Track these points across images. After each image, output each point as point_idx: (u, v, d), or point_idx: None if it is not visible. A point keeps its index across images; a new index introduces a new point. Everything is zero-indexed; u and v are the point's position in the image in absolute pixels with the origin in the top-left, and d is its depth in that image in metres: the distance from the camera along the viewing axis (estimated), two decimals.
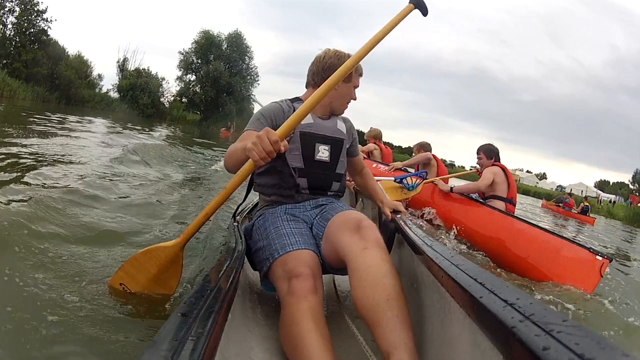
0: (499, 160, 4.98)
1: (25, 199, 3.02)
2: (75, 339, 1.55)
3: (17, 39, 34.89)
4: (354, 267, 1.48)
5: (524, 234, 4.22)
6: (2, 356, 1.40)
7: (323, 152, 2.05)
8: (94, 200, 3.70)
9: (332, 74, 1.88)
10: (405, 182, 4.74)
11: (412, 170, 5.74)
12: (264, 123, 1.95)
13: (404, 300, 1.39)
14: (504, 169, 4.89)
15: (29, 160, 5.18)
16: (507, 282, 0.95)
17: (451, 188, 4.89)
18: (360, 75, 2.17)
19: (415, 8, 2.04)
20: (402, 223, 1.99)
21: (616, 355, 0.57)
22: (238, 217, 2.43)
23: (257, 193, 2.18)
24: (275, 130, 1.57)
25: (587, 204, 20.33)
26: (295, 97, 2.15)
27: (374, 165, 6.11)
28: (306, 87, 2.21)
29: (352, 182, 3.31)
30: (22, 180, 3.83)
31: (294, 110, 1.95)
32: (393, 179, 4.81)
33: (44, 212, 2.86)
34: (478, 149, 5.10)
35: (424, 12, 2.08)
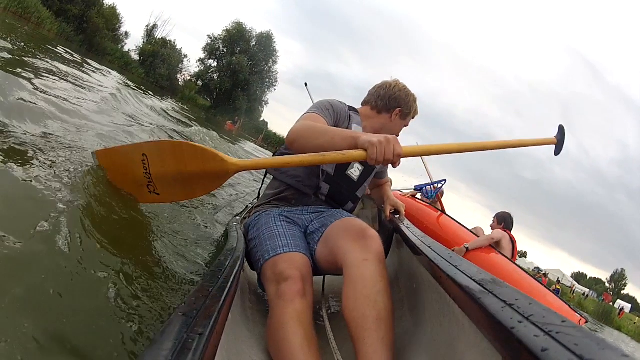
0: (509, 228, 5.11)
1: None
2: (69, 339, 1.45)
3: None
4: (350, 278, 1.46)
5: (514, 275, 4.39)
6: None
7: (355, 171, 2.05)
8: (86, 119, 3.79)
9: (396, 105, 2.13)
10: (425, 190, 4.80)
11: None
12: (332, 115, 1.94)
13: (392, 322, 1.38)
14: (512, 238, 5.01)
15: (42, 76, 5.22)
16: (506, 283, 0.95)
17: (466, 248, 4.73)
18: (413, 118, 2.25)
19: (555, 144, 2.20)
20: (401, 224, 1.99)
21: (616, 356, 0.57)
22: (238, 217, 2.42)
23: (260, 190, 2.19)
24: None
25: (559, 288, 20.80)
26: (352, 106, 2.16)
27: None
28: (363, 103, 2.23)
29: None
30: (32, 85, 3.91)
31: (349, 117, 2.04)
32: (413, 187, 4.92)
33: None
34: (495, 215, 5.32)
35: (558, 151, 2.23)
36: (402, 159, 1.59)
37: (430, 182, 4.99)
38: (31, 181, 1.79)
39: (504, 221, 5.14)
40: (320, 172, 1.95)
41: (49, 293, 1.62)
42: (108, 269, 1.96)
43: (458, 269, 1.13)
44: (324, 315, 1.77)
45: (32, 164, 1.93)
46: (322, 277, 2.17)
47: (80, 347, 1.44)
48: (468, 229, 5.06)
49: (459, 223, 5.10)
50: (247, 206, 2.74)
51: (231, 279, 1.18)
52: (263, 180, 2.36)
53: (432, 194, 4.77)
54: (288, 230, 1.77)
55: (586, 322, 3.98)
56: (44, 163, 2.00)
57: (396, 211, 2.31)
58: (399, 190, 5.93)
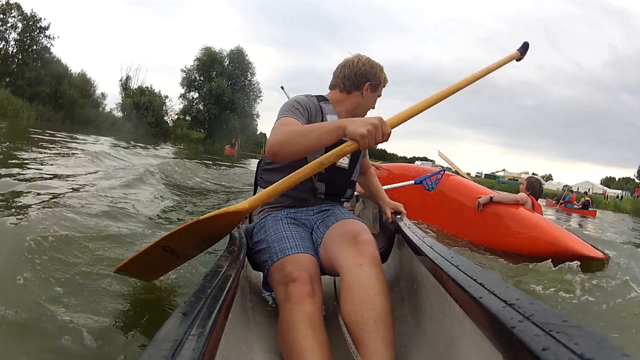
0: (535, 196, 5.35)
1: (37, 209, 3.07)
2: (74, 338, 1.54)
3: (20, 56, 35.10)
4: (346, 283, 1.46)
5: (540, 221, 4.74)
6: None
7: (344, 159, 2.02)
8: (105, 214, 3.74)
9: (364, 80, 2.06)
10: (425, 182, 4.79)
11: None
12: (303, 113, 1.89)
13: (391, 323, 1.38)
14: (534, 204, 5.24)
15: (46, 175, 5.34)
16: (507, 283, 0.95)
17: (491, 197, 5.19)
18: (384, 87, 2.19)
19: (519, 57, 2.29)
20: (403, 224, 1.98)
21: (616, 356, 0.58)
22: None
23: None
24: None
25: (588, 199, 20.53)
26: (320, 95, 2.10)
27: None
28: (330, 88, 2.17)
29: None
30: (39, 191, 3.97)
31: (320, 109, 1.99)
32: (413, 181, 4.91)
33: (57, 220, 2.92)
34: (527, 178, 5.66)
35: (520, 59, 2.32)
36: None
37: (428, 174, 5.05)
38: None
39: (531, 188, 5.37)
40: None
41: (53, 292, 1.86)
42: (106, 269, 2.11)
43: (459, 269, 1.13)
44: (339, 317, 1.73)
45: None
46: (333, 278, 2.15)
47: (81, 346, 1.51)
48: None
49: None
50: None
51: (231, 279, 1.20)
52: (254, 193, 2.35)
53: (432, 185, 4.71)
54: (295, 232, 1.78)
55: (608, 257, 4.08)
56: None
57: (397, 211, 2.28)
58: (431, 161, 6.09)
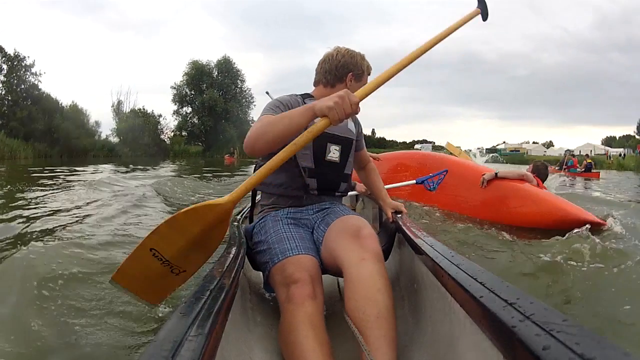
0: (541, 178, 5.46)
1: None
2: (76, 339, 1.59)
3: (9, 97, 35.06)
4: (349, 278, 1.47)
5: (546, 196, 4.86)
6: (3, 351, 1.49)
7: (334, 153, 2.01)
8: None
9: (346, 71, 2.05)
10: (426, 183, 4.78)
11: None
12: (283, 109, 1.86)
13: (393, 320, 1.38)
14: (539, 185, 5.31)
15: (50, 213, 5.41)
16: (507, 282, 0.95)
17: (496, 173, 5.37)
18: (369, 74, 2.16)
19: (480, 13, 2.21)
20: (403, 223, 1.97)
21: (617, 355, 0.57)
22: (238, 216, 2.43)
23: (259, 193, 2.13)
24: None
25: (590, 161, 20.66)
26: (306, 93, 2.11)
27: None
28: (315, 85, 2.15)
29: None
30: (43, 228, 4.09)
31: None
32: (414, 181, 4.90)
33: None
34: (532, 162, 5.84)
35: (485, 17, 2.23)
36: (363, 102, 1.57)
37: (430, 174, 4.98)
38: None
39: (537, 171, 5.50)
40: (302, 170, 1.92)
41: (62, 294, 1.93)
42: (107, 272, 2.09)
43: (459, 268, 1.13)
44: (344, 314, 1.68)
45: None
46: (336, 278, 2.15)
47: (81, 346, 1.55)
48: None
49: None
50: (246, 206, 2.74)
51: (231, 279, 1.21)
52: (252, 200, 2.39)
53: (434, 185, 4.70)
54: (296, 232, 1.77)
55: (609, 223, 4.27)
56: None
57: (397, 211, 2.25)
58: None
